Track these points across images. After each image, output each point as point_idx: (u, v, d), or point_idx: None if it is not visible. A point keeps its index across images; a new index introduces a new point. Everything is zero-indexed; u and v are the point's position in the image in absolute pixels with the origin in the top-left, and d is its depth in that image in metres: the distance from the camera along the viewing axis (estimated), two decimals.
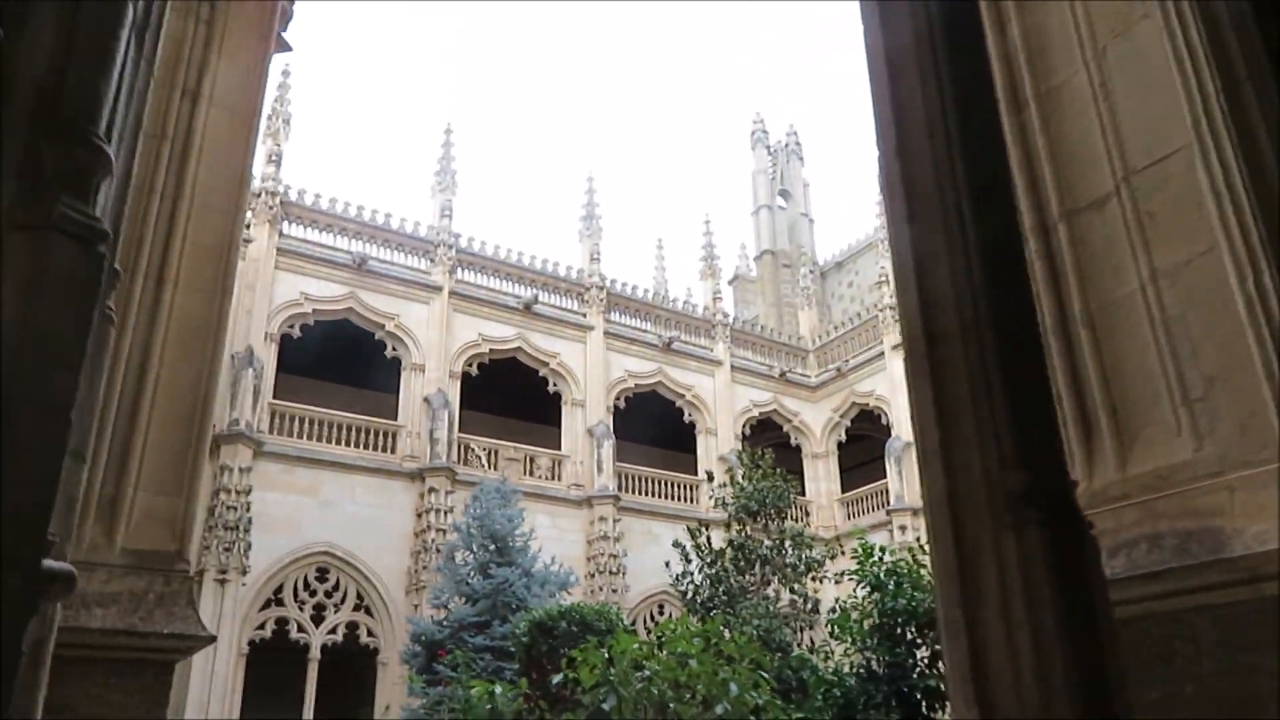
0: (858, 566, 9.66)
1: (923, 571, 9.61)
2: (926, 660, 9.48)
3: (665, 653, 4.84)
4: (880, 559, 9.61)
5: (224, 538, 19.02)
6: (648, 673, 4.65)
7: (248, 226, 22.60)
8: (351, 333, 24.23)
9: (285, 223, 23.52)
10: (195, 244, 4.87)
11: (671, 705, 4.64)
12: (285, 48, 5.83)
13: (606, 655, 4.68)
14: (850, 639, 9.60)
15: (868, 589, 9.57)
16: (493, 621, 16.81)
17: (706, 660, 4.71)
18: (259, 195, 22.95)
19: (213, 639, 4.09)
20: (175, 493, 4.46)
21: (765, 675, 5.33)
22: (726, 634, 5.16)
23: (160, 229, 4.75)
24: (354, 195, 63.99)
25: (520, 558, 17.82)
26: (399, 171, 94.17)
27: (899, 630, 9.40)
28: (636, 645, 4.82)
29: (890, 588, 9.42)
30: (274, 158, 23.60)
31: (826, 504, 28.92)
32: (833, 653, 9.95)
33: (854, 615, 9.74)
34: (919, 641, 9.65)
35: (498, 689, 4.88)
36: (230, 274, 5.01)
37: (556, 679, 4.98)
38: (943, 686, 9.12)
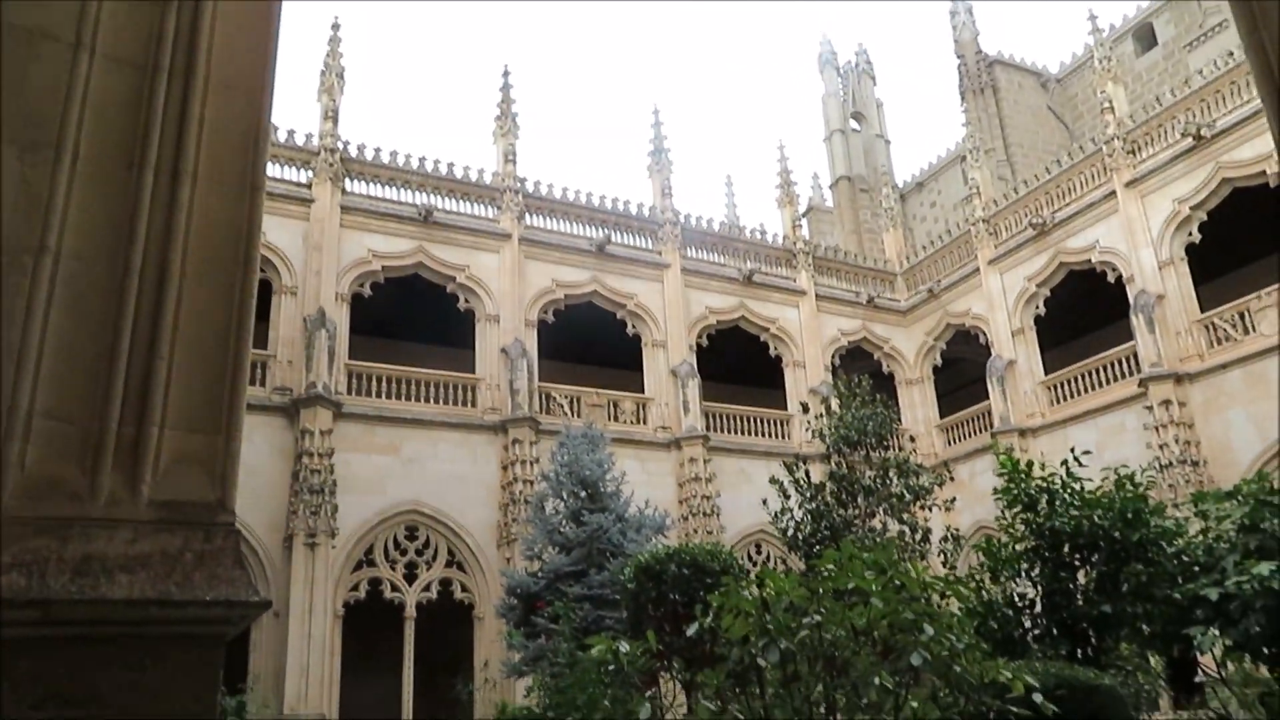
0: (1005, 485, 8.64)
1: (1080, 486, 8.54)
2: (1093, 585, 8.44)
3: (828, 591, 3.91)
4: (1028, 474, 8.56)
5: (310, 501, 18.71)
6: (817, 618, 3.71)
7: (308, 185, 22.09)
8: (423, 288, 23.68)
9: (347, 180, 22.92)
10: (215, 131, 3.97)
11: (847, 657, 3.74)
12: None
13: (761, 599, 3.77)
14: (998, 565, 8.63)
15: (1018, 509, 8.56)
16: (589, 570, 16.14)
17: (890, 597, 3.76)
18: (318, 153, 22.39)
19: (268, 604, 3.24)
20: (211, 430, 3.59)
21: (958, 612, 4.44)
22: (909, 568, 4.20)
23: (171, 113, 3.84)
24: (413, 145, 63.86)
25: (613, 503, 17.07)
26: (457, 117, 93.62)
27: (1056, 554, 8.39)
28: (795, 585, 3.90)
29: (1044, 506, 8.40)
30: (330, 113, 22.97)
31: (925, 431, 27.64)
32: (982, 583, 8.95)
33: (1003, 538, 8.75)
34: (1078, 564, 8.62)
35: (624, 646, 4.00)
36: (260, 168, 4.10)
37: (691, 629, 4.07)
38: (1109, 609, 8.11)
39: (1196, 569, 9.54)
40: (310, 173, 22.36)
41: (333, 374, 20.45)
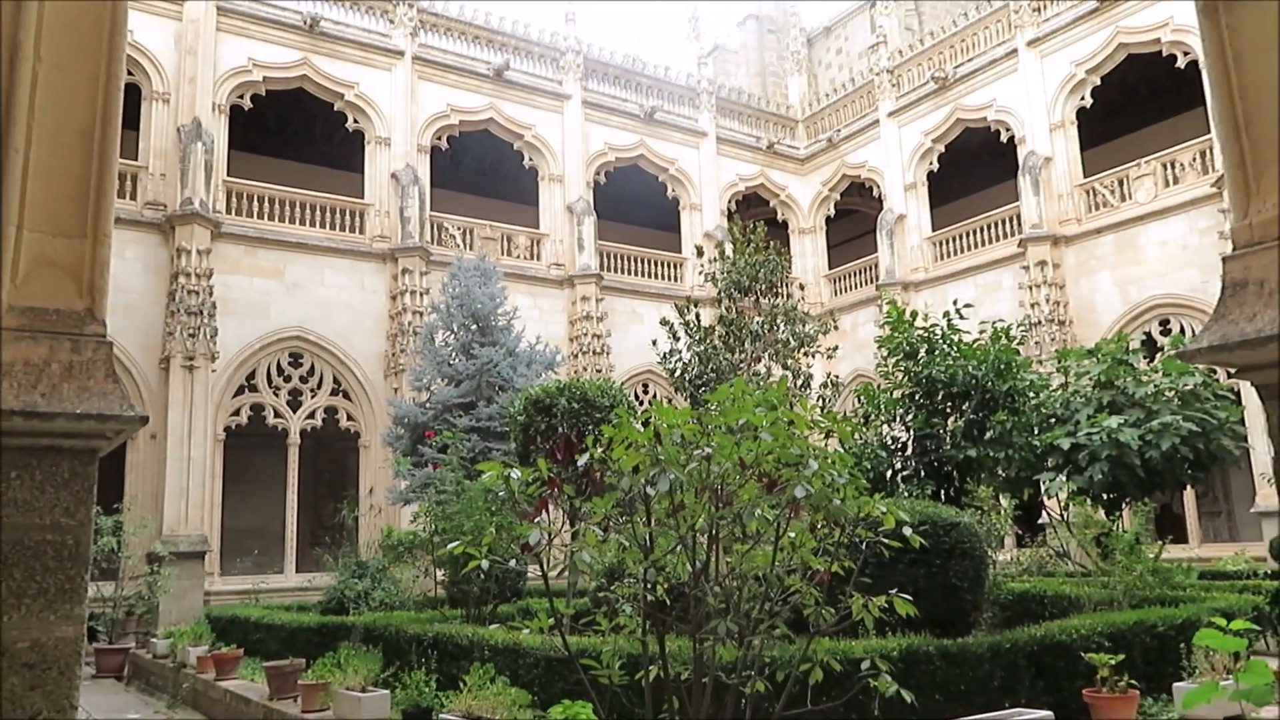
0: (889, 334, 8.93)
1: (959, 338, 8.92)
2: (960, 431, 8.95)
3: (719, 427, 4.00)
4: (911, 324, 8.86)
5: (187, 323, 18.03)
6: (708, 450, 3.80)
7: None
8: (309, 105, 22.41)
9: None
10: None
11: (733, 489, 3.87)
12: None
13: (653, 432, 3.83)
14: (875, 410, 9.03)
15: (899, 357, 8.89)
16: (478, 403, 16.25)
17: (780, 433, 3.87)
18: None
19: (144, 419, 3.10)
20: (76, 234, 3.33)
21: (845, 450, 4.64)
22: (796, 407, 4.33)
23: None
24: None
25: (503, 337, 17.05)
26: None
27: (930, 401, 8.81)
28: (688, 420, 3.97)
29: (923, 355, 8.74)
30: None
31: (814, 281, 28.23)
32: (860, 425, 9.37)
33: (882, 385, 9.12)
34: (949, 411, 9.10)
35: (515, 473, 4.03)
36: None
37: (582, 460, 4.12)
38: (974, 453, 8.69)
39: (1053, 420, 10.22)
40: None
41: (210, 191, 19.37)
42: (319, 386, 20.40)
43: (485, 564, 4.34)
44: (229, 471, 19.10)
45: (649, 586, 4.43)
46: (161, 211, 18.93)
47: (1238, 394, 13.99)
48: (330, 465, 22.89)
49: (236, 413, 19.35)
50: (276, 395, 19.87)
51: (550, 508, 4.67)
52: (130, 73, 18.91)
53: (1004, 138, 24.01)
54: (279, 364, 20.00)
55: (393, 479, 17.07)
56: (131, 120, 18.72)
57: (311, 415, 20.25)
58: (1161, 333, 19.95)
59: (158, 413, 17.64)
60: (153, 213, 18.90)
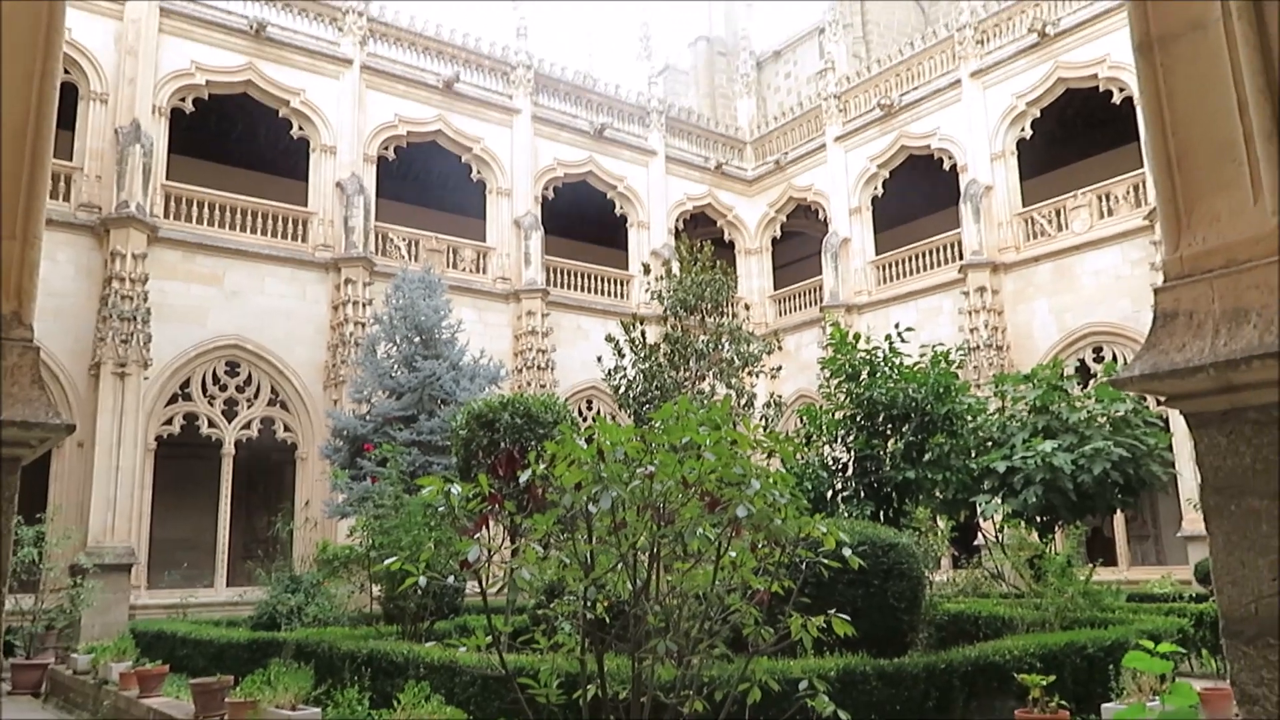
0: (832, 355, 9.02)
1: (900, 361, 9.05)
2: (900, 453, 9.07)
3: (662, 445, 4.00)
4: (854, 346, 8.97)
5: (120, 329, 17.57)
6: (651, 469, 3.80)
7: None
8: (253, 110, 22.06)
9: None
10: None
11: (675, 507, 3.87)
12: None
13: (597, 449, 3.81)
14: (817, 430, 9.11)
15: (841, 378, 8.99)
16: (419, 416, 16.06)
17: (723, 452, 3.89)
18: None
19: (71, 428, 3.00)
20: (6, 234, 3.22)
21: (786, 469, 4.71)
22: (739, 426, 4.36)
23: None
24: None
25: (447, 350, 16.90)
26: None
27: (871, 423, 8.91)
28: (631, 438, 3.96)
29: (865, 377, 8.85)
30: None
31: (759, 301, 28.47)
32: (802, 445, 9.46)
33: (825, 405, 9.21)
34: (889, 433, 9.22)
35: (455, 488, 3.98)
36: None
37: (524, 476, 4.09)
38: (913, 475, 8.84)
39: (990, 443, 10.42)
40: None
41: (148, 194, 18.94)
42: (256, 396, 20.00)
43: (423, 580, 4.28)
44: (160, 482, 18.62)
45: (589, 604, 4.40)
46: (96, 214, 18.46)
47: (1166, 421, 14.40)
48: (265, 477, 22.45)
49: (169, 422, 18.89)
50: (211, 404, 19.44)
51: (491, 524, 4.62)
52: (67, 71, 18.46)
53: (946, 166, 24.51)
54: (215, 373, 19.58)
55: (330, 492, 16.78)
56: (67, 120, 18.26)
57: (247, 425, 19.84)
58: (1095, 359, 20.46)
59: (86, 420, 17.14)
60: (87, 215, 18.42)
